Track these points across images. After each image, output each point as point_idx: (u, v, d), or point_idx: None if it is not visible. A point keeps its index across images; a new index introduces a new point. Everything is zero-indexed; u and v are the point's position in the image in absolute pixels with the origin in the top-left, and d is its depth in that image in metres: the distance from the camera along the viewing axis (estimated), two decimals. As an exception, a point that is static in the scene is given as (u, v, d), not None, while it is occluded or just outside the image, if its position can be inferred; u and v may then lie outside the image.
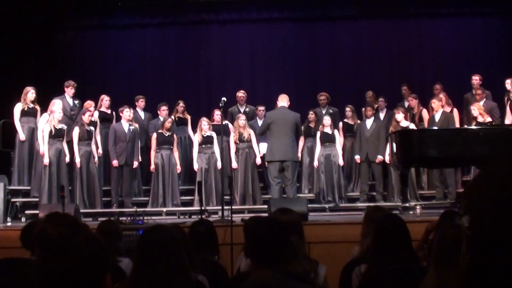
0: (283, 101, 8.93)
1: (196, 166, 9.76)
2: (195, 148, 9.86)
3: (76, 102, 10.24)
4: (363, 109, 10.48)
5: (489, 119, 8.78)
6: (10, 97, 9.81)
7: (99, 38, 13.11)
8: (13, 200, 9.34)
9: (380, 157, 9.66)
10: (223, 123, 9.71)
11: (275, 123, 8.71)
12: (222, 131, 9.33)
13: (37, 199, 9.12)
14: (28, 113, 9.60)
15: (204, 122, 9.80)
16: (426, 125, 9.58)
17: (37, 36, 11.98)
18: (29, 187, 9.43)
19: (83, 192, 9.26)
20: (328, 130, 9.84)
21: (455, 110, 9.89)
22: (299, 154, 9.79)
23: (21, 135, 9.49)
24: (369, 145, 9.79)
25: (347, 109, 10.33)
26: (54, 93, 10.01)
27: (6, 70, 11.15)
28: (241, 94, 10.81)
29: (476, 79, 10.17)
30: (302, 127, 9.69)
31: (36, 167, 9.28)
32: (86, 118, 9.39)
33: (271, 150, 8.75)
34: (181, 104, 10.67)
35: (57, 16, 12.53)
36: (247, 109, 10.72)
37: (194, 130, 10.25)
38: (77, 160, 9.25)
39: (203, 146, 9.78)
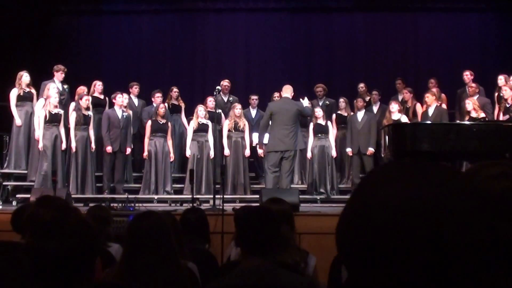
0: (286, 92, 8.83)
1: (188, 153, 9.71)
2: (189, 134, 9.79)
3: (65, 87, 10.13)
4: (355, 101, 10.51)
5: (482, 115, 8.77)
6: (4, 82, 9.74)
7: (94, 23, 13.05)
8: (4, 183, 9.33)
9: (371, 149, 9.65)
10: (217, 111, 9.69)
11: (277, 114, 8.57)
12: (216, 119, 9.31)
13: (29, 183, 9.12)
14: (24, 98, 9.53)
15: (200, 108, 9.75)
16: (419, 119, 9.56)
17: (32, 20, 11.89)
18: (24, 171, 9.43)
19: (77, 177, 9.24)
20: (321, 121, 9.83)
21: (443, 106, 9.86)
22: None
23: (17, 121, 9.44)
24: (360, 137, 9.76)
25: (341, 100, 10.33)
26: (48, 78, 9.94)
27: (0, 54, 11.07)
28: (225, 83, 10.64)
29: (467, 75, 10.18)
30: None
31: (33, 152, 9.27)
32: (83, 102, 9.35)
33: (272, 140, 8.62)
34: (175, 89, 10.63)
35: (52, 0, 12.44)
36: (230, 98, 10.60)
37: (188, 117, 10.21)
38: (73, 144, 9.24)
39: (197, 133, 9.74)
